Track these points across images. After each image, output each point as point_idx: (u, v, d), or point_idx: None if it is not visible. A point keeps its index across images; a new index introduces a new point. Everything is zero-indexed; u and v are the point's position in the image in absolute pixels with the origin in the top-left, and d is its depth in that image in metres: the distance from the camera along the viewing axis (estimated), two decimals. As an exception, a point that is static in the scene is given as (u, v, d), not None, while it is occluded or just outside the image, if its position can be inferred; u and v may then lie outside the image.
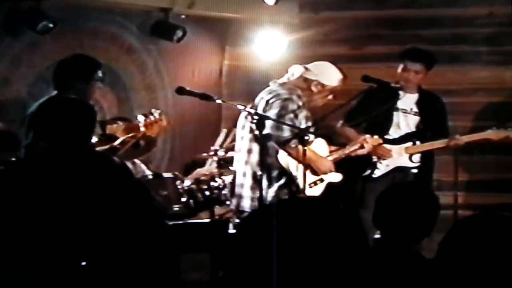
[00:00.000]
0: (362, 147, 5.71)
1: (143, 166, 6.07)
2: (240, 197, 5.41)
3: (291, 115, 5.25)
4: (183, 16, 7.04)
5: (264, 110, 5.31)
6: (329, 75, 5.54)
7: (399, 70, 6.25)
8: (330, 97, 5.56)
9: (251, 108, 5.35)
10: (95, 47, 6.59)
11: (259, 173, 5.22)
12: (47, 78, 6.21)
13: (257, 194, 5.23)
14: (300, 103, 5.34)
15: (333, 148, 5.71)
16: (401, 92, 6.22)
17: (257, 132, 5.08)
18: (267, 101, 5.35)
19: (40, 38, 6.20)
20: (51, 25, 6.04)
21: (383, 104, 6.13)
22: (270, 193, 5.26)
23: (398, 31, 7.47)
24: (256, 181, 5.26)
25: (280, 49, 7.26)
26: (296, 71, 5.51)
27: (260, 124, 4.98)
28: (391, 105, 6.24)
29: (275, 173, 5.27)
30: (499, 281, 2.13)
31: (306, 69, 5.52)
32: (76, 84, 5.29)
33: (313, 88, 5.47)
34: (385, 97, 6.14)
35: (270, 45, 7.30)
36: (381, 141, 5.88)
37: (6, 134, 5.54)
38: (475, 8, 7.37)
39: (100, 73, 5.43)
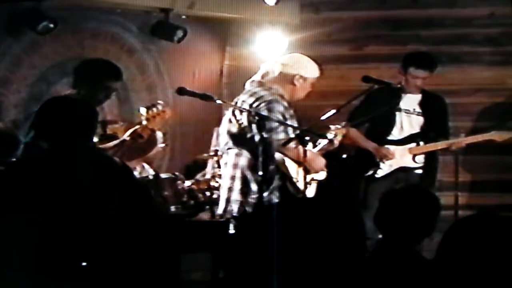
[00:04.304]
0: (331, 141, 5.54)
1: (146, 167, 6.09)
2: (228, 201, 5.28)
3: (279, 116, 5.16)
4: (183, 17, 7.04)
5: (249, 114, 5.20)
6: (308, 67, 5.40)
7: (406, 76, 6.22)
8: (310, 88, 5.43)
9: (234, 111, 5.26)
10: (95, 47, 6.60)
11: (250, 176, 5.17)
12: (47, 78, 6.22)
13: (248, 198, 5.18)
14: (285, 103, 5.23)
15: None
16: (403, 93, 6.23)
17: (254, 133, 5.07)
18: (250, 105, 5.20)
19: (40, 39, 6.20)
20: (51, 26, 6.05)
21: (385, 104, 6.13)
22: (264, 196, 5.11)
23: (398, 32, 7.48)
24: (247, 185, 5.19)
25: (281, 50, 7.25)
26: (275, 68, 5.34)
27: (262, 126, 4.95)
28: (393, 106, 6.24)
29: (269, 175, 5.15)
30: (498, 280, 2.13)
31: (283, 64, 5.38)
32: (93, 88, 5.32)
33: (296, 83, 5.33)
34: (387, 97, 6.14)
35: (271, 46, 7.30)
36: (344, 131, 5.74)
37: (6, 134, 5.55)
38: (476, 8, 7.37)
39: (118, 85, 5.49)
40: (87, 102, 4.64)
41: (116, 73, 5.53)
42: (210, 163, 6.11)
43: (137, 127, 5.35)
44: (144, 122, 5.33)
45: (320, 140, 5.47)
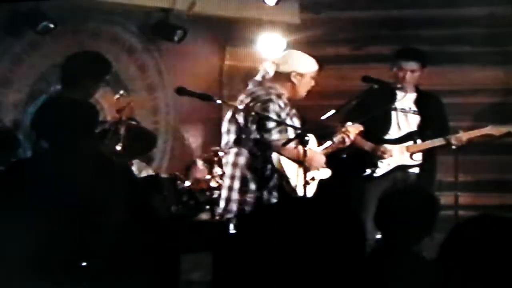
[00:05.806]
0: (343, 140, 5.58)
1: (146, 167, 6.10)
2: (228, 200, 5.29)
3: (274, 116, 5.12)
4: (183, 17, 7.05)
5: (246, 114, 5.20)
6: (302, 62, 5.37)
7: (394, 70, 6.21)
8: (312, 83, 5.40)
9: (234, 111, 5.26)
10: (95, 47, 6.59)
11: (249, 175, 5.18)
12: (47, 78, 6.22)
13: (246, 197, 5.19)
14: (281, 103, 5.20)
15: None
16: (399, 92, 6.21)
17: (252, 133, 5.07)
18: (248, 105, 5.20)
19: (40, 38, 6.21)
20: (51, 26, 6.05)
21: (382, 104, 6.12)
22: (263, 195, 5.13)
23: (398, 32, 7.47)
24: (246, 184, 5.19)
25: (281, 50, 7.25)
26: (269, 68, 5.32)
27: (260, 125, 4.95)
28: (389, 106, 6.22)
29: (267, 174, 5.17)
30: (500, 283, 2.13)
31: (277, 64, 5.34)
32: (83, 83, 5.29)
33: (294, 80, 5.30)
34: (382, 97, 6.13)
35: (271, 46, 7.30)
36: (362, 128, 5.75)
37: (6, 134, 5.55)
38: (475, 8, 7.37)
39: (109, 75, 5.46)
40: (87, 101, 4.64)
41: (108, 65, 5.51)
42: (200, 162, 6.09)
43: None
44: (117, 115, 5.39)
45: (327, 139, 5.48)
